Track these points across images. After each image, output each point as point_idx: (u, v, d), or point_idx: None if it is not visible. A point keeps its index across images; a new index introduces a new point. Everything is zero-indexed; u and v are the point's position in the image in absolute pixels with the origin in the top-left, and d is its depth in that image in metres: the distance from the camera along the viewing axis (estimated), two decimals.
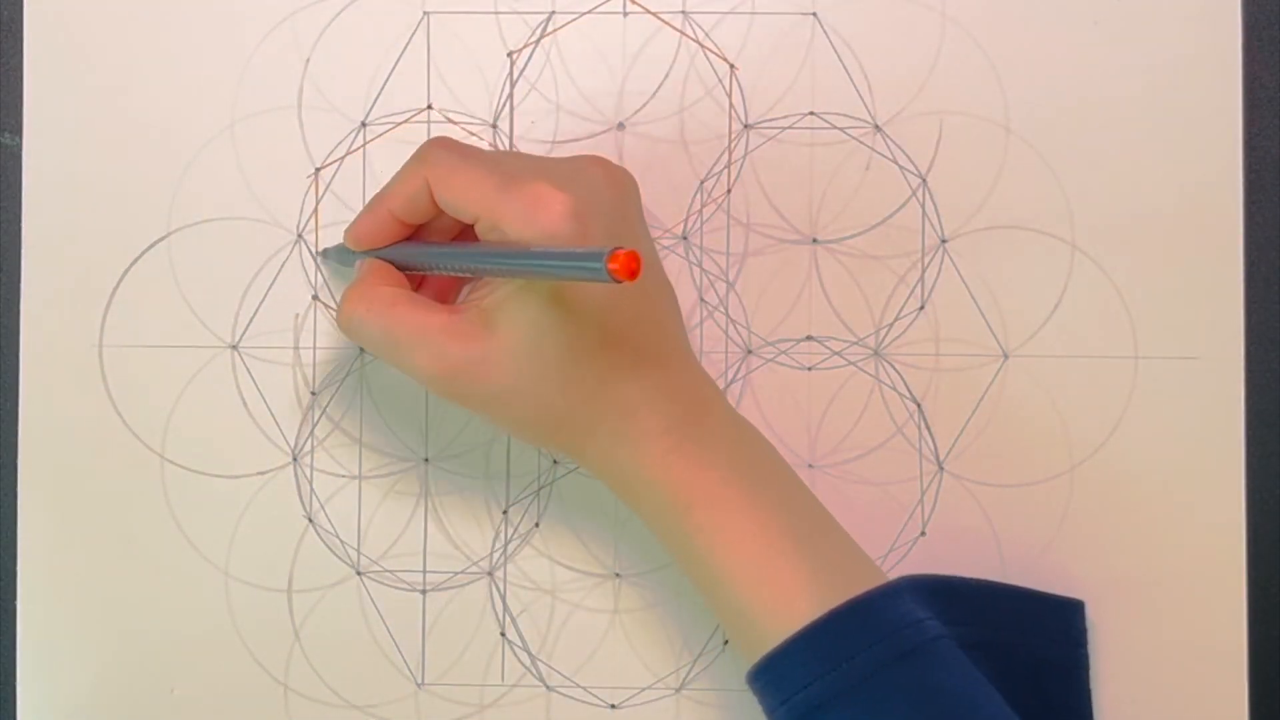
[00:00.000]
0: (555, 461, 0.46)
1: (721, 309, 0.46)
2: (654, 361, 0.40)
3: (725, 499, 0.39)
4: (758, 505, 0.39)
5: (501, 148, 0.46)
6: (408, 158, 0.40)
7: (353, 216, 0.45)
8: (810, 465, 0.46)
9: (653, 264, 0.41)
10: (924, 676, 0.37)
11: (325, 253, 0.45)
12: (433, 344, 0.38)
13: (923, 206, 0.45)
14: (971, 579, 0.43)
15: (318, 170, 0.46)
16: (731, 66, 0.45)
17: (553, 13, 0.46)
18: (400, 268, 0.41)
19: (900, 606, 0.38)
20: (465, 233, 0.41)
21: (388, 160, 0.46)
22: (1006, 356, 0.45)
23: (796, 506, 0.40)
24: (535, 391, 0.39)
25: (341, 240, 0.43)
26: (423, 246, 0.41)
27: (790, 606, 0.38)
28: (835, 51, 0.45)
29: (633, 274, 0.33)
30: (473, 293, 0.41)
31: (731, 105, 0.46)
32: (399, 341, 0.39)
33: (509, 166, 0.39)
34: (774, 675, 0.38)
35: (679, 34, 0.45)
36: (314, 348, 0.46)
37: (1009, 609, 0.42)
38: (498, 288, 0.39)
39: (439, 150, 0.40)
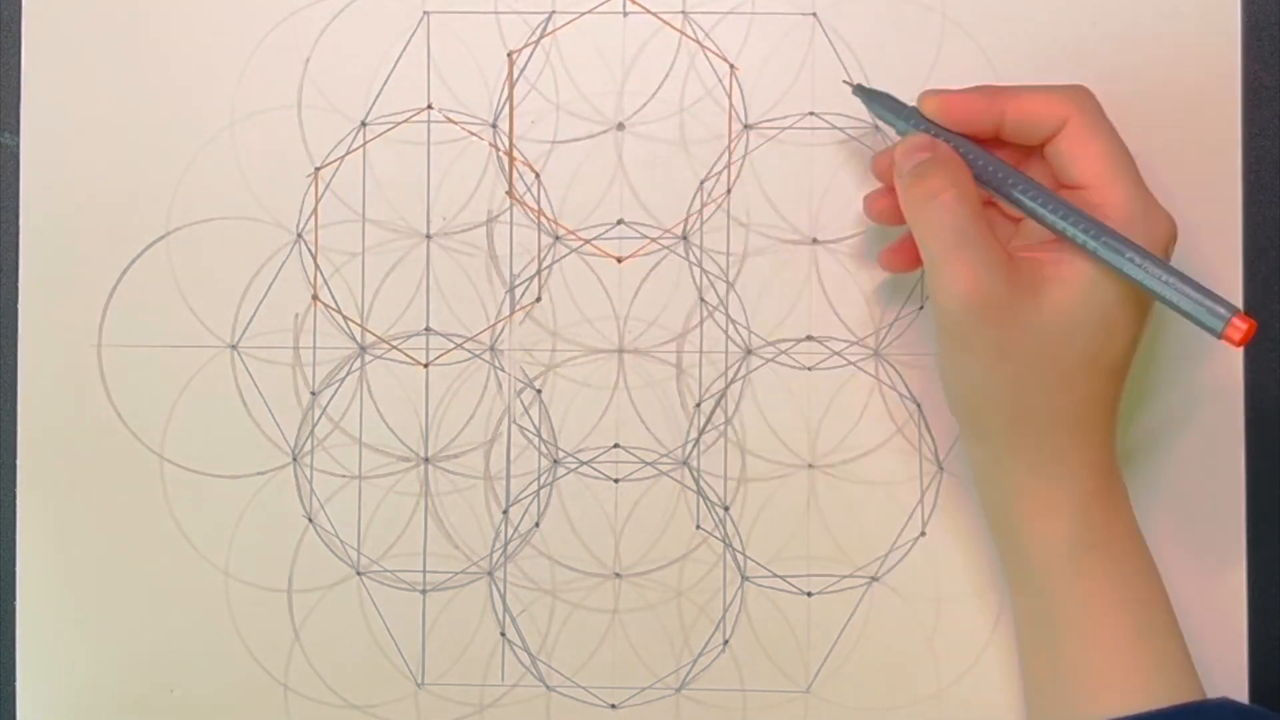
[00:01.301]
0: (555, 461, 0.46)
1: (721, 309, 0.46)
2: (1113, 422, 0.40)
3: (1132, 549, 0.39)
4: (1139, 637, 0.39)
5: (501, 148, 0.46)
6: (1044, 86, 0.39)
7: (353, 216, 0.45)
8: (810, 465, 0.46)
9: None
10: None
11: (872, 94, 0.41)
12: (989, 269, 0.36)
13: None
14: None
15: (317, 170, 0.46)
16: (731, 66, 0.45)
17: (553, 13, 0.46)
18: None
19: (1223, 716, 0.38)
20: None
21: (387, 160, 0.46)
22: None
23: (1153, 624, 0.40)
24: (1024, 375, 0.37)
25: (889, 95, 0.41)
26: (1016, 174, 0.39)
27: (1123, 698, 0.38)
28: (835, 51, 0.45)
29: (1242, 343, 0.34)
30: (1026, 247, 0.39)
31: (731, 105, 0.45)
32: (961, 244, 0.37)
33: (1135, 166, 0.38)
34: None
35: (679, 34, 0.45)
36: (314, 348, 0.46)
37: None
38: (1067, 260, 0.38)
39: (1093, 102, 0.38)
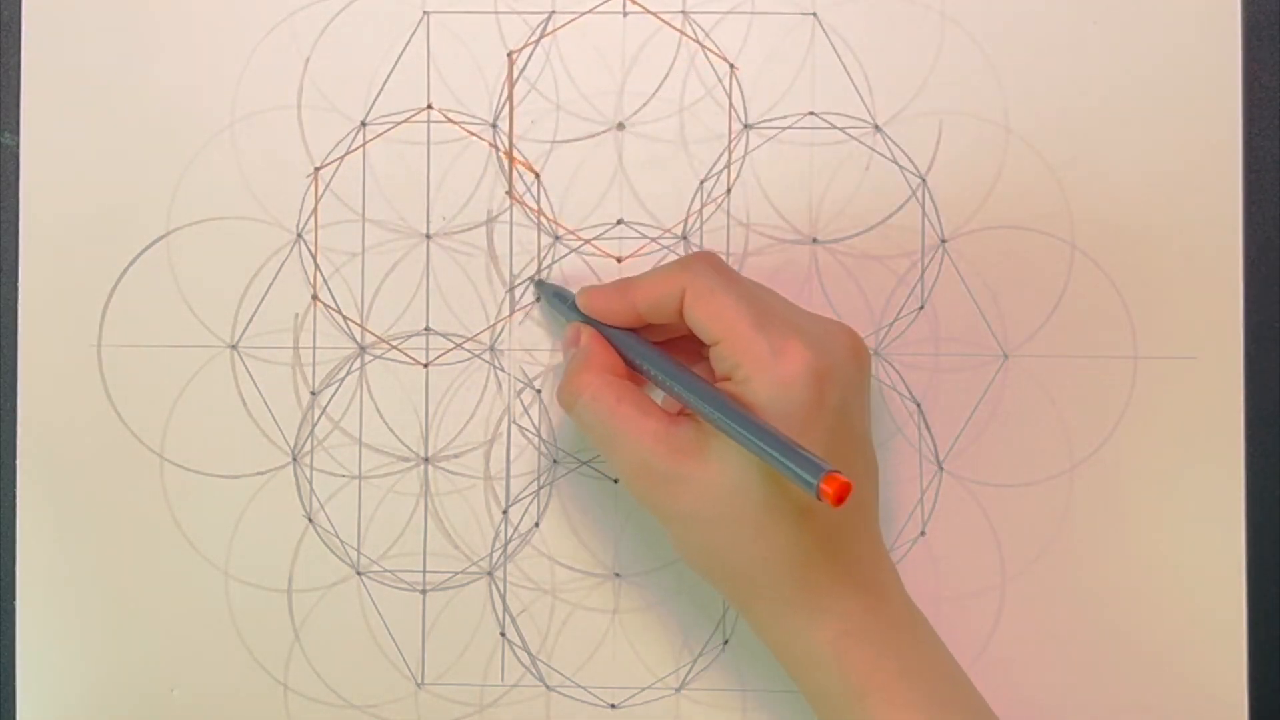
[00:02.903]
0: (555, 461, 0.46)
1: None
2: (849, 544, 0.39)
3: (902, 694, 0.38)
4: (933, 702, 0.38)
5: (501, 148, 0.46)
6: (666, 265, 0.41)
7: (353, 216, 0.44)
8: None
9: (865, 442, 0.40)
10: None
11: (542, 285, 0.45)
12: (644, 450, 0.38)
13: (922, 206, 0.45)
14: None
15: (317, 170, 0.46)
16: (731, 66, 0.45)
17: (553, 13, 0.46)
18: (620, 351, 0.41)
19: None
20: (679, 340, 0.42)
21: (387, 160, 0.46)
22: (1006, 356, 0.45)
23: (963, 701, 0.40)
24: (724, 534, 0.38)
25: (561, 287, 0.44)
26: (652, 352, 0.41)
27: None
28: (835, 51, 0.45)
29: (839, 501, 0.33)
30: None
31: (731, 105, 0.45)
32: (612, 437, 0.39)
33: (766, 307, 0.39)
34: None
35: (679, 34, 0.45)
36: (314, 348, 0.46)
37: None
38: None
39: (705, 266, 0.40)
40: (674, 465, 0.38)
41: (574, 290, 0.43)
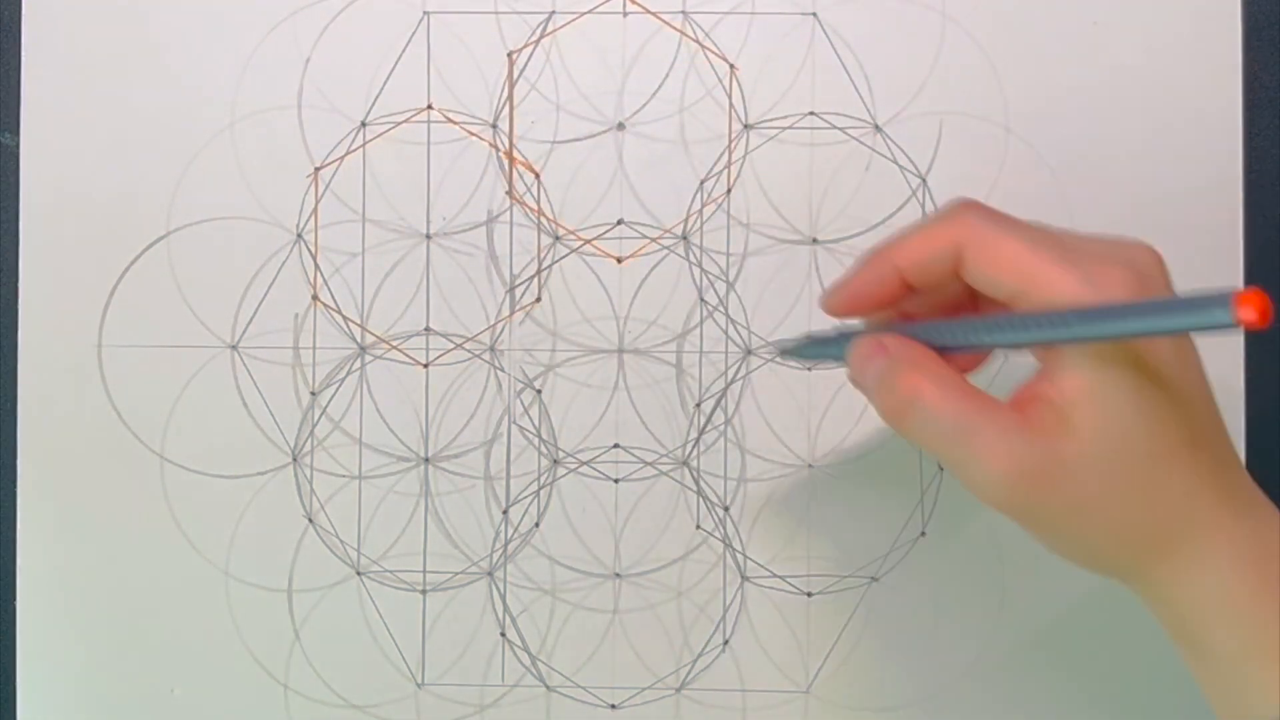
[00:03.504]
0: (555, 461, 0.46)
1: (721, 309, 0.46)
2: (1234, 473, 0.35)
3: None
4: None
5: (501, 148, 0.46)
6: (927, 219, 0.35)
7: (353, 216, 0.44)
8: (810, 465, 0.46)
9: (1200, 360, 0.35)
10: None
11: (783, 346, 0.40)
12: (1010, 442, 0.33)
13: (923, 207, 0.45)
14: None
15: (317, 170, 0.46)
16: (731, 66, 0.45)
17: (553, 13, 0.46)
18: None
19: None
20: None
21: (387, 160, 0.46)
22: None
23: None
24: (1119, 503, 0.34)
25: (808, 336, 0.39)
26: (955, 323, 0.35)
27: None
28: (835, 51, 0.45)
29: (1264, 315, 0.28)
30: (1026, 393, 0.34)
31: (731, 105, 0.45)
32: (970, 435, 0.33)
33: (1060, 241, 0.34)
34: None
35: (679, 34, 0.45)
36: (314, 348, 0.46)
37: None
38: (1065, 380, 0.33)
39: (977, 214, 0.35)
40: (1049, 448, 0.33)
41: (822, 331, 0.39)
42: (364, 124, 0.46)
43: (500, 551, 0.46)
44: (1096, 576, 0.45)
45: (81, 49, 0.46)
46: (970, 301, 0.37)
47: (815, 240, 0.45)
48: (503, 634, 0.46)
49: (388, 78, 0.46)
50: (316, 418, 0.46)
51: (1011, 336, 0.34)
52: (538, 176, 0.46)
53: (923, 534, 0.45)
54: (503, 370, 0.46)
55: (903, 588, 0.45)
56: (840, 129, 0.45)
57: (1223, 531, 0.34)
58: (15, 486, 0.46)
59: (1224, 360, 0.45)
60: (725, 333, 0.46)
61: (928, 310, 0.37)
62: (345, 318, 0.46)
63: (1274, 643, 0.33)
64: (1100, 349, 0.33)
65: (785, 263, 0.46)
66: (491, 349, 0.46)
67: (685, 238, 0.46)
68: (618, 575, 0.46)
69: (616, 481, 0.46)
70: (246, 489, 0.46)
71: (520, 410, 0.46)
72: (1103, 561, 0.36)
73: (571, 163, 0.46)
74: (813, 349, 0.39)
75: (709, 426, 0.46)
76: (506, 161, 0.46)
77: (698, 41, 0.45)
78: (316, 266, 0.46)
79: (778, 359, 0.44)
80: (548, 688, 0.46)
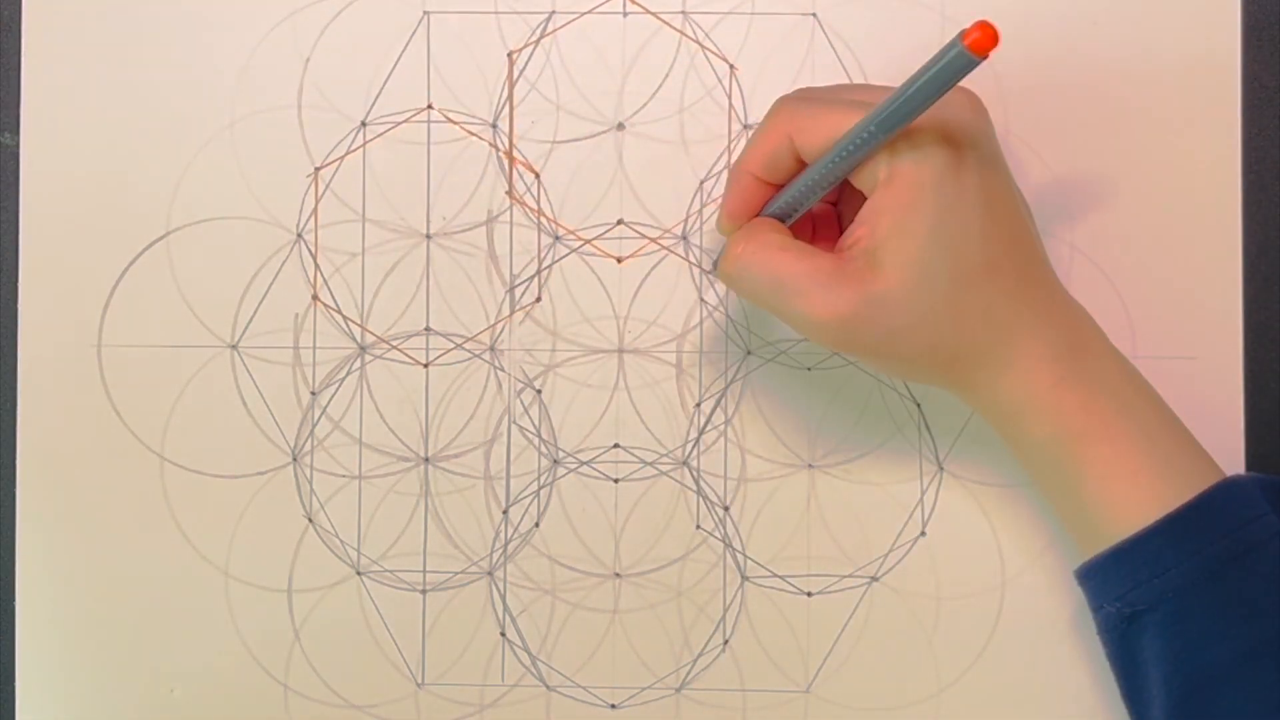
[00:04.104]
0: (555, 461, 0.46)
1: (721, 309, 0.46)
2: (1036, 285, 0.40)
3: (1120, 430, 0.39)
4: (1147, 435, 0.39)
5: (501, 148, 0.46)
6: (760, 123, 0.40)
7: (353, 216, 0.44)
8: (810, 465, 0.46)
9: (1012, 185, 0.40)
10: (1242, 588, 0.37)
11: (715, 259, 0.45)
12: (824, 288, 0.38)
13: None
14: None
15: (317, 170, 0.46)
16: (731, 67, 0.45)
17: (553, 13, 0.46)
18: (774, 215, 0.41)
19: (1240, 504, 0.38)
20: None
21: (388, 160, 0.46)
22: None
23: (1164, 418, 0.40)
24: (928, 326, 0.38)
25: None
26: (789, 185, 0.40)
27: (1153, 503, 0.38)
28: (835, 52, 0.45)
29: (990, 39, 0.33)
30: (847, 240, 0.39)
31: (731, 105, 0.45)
32: (786, 286, 0.38)
33: (865, 98, 0.38)
34: (1102, 577, 0.39)
35: (679, 34, 0.45)
36: (314, 348, 0.46)
37: None
38: (876, 227, 0.38)
39: (793, 101, 0.39)
40: (859, 290, 0.38)
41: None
42: (364, 124, 0.46)
43: (500, 551, 0.46)
44: None
45: (81, 49, 0.46)
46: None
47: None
48: (503, 634, 0.46)
49: (388, 78, 0.46)
50: (316, 418, 0.46)
51: (818, 174, 0.39)
52: (538, 176, 0.46)
53: (923, 534, 0.45)
54: (503, 370, 0.46)
55: (903, 588, 0.45)
56: None
57: (1024, 337, 0.39)
58: (15, 486, 0.46)
59: (1224, 359, 0.45)
60: (725, 333, 0.46)
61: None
62: (345, 318, 0.46)
63: (1073, 426, 0.39)
64: (899, 185, 0.37)
65: None
66: (491, 349, 0.46)
67: (685, 238, 0.46)
68: (618, 575, 0.46)
69: (616, 481, 0.46)
70: (246, 489, 0.46)
71: (520, 410, 0.46)
72: (924, 376, 0.41)
73: (571, 163, 0.46)
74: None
75: (709, 426, 0.46)
76: (506, 161, 0.46)
77: (697, 42, 0.45)
78: (316, 266, 0.46)
79: (711, 274, 0.45)
80: (548, 687, 0.46)
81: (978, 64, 0.33)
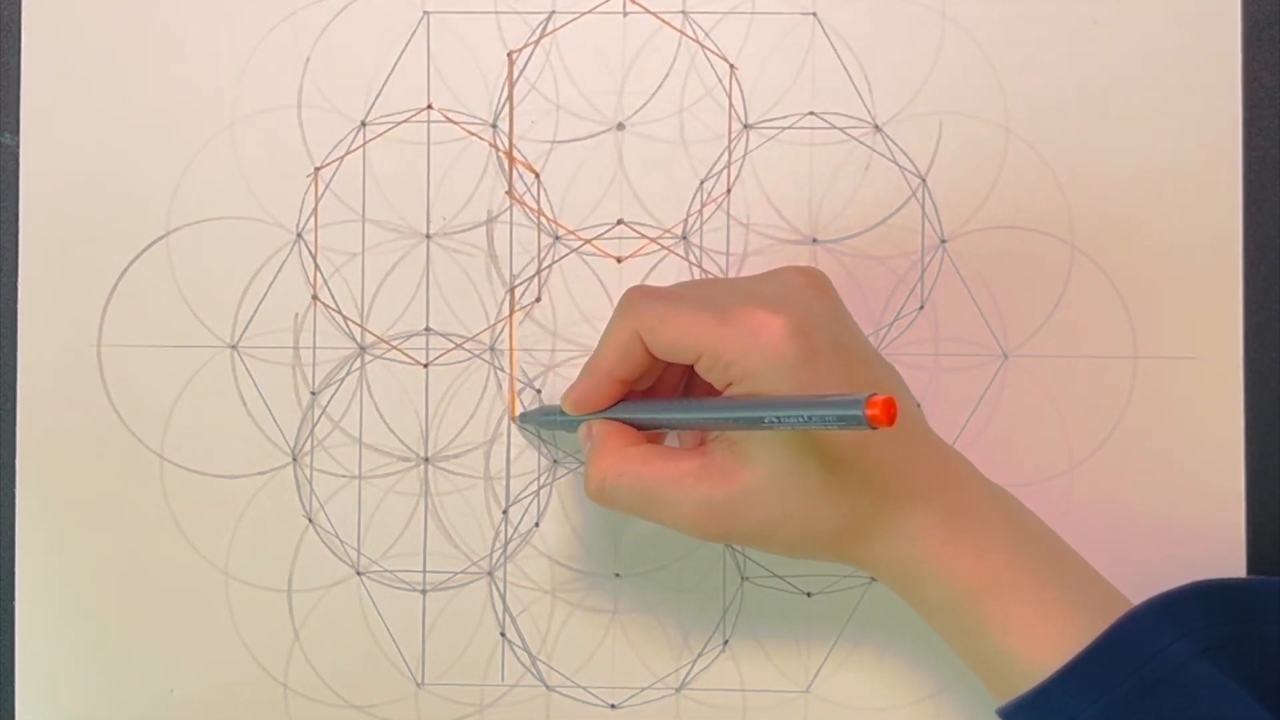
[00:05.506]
0: (555, 461, 0.46)
1: None
2: (908, 441, 0.39)
3: (1014, 585, 0.38)
4: (1040, 582, 0.38)
5: (501, 148, 0.46)
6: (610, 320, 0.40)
7: (353, 216, 0.44)
8: None
9: (875, 357, 0.40)
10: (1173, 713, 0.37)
11: (524, 417, 0.45)
12: (691, 491, 0.38)
13: (922, 206, 0.45)
14: (1219, 580, 0.41)
15: (317, 170, 0.46)
16: (731, 66, 0.45)
17: (553, 13, 0.46)
18: (631, 424, 0.41)
19: (1142, 638, 0.37)
20: (665, 377, 0.41)
21: (388, 160, 0.46)
22: (1006, 356, 0.45)
23: (1057, 556, 0.40)
24: (802, 517, 0.38)
25: (544, 406, 0.44)
26: (653, 403, 0.41)
27: (1059, 646, 0.38)
28: (835, 51, 0.45)
29: (891, 418, 0.32)
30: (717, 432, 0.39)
31: (731, 105, 0.45)
32: (656, 497, 0.39)
33: (718, 299, 0.38)
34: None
35: (679, 34, 0.45)
36: (314, 348, 0.46)
37: (1266, 599, 0.40)
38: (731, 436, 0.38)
39: (642, 299, 0.39)
40: (726, 488, 0.38)
41: (555, 405, 0.43)
42: (364, 124, 0.46)
43: (500, 551, 0.46)
44: None
45: (81, 49, 0.46)
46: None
47: (815, 240, 0.45)
48: (503, 634, 0.46)
49: (388, 77, 0.46)
50: (316, 417, 0.46)
51: (683, 420, 0.39)
52: (538, 176, 0.46)
53: None
54: (503, 370, 0.46)
55: None
56: (840, 129, 0.45)
57: (905, 501, 0.38)
58: (15, 486, 0.46)
59: (1224, 359, 0.45)
60: None
61: (667, 383, 0.42)
62: (345, 317, 0.46)
63: (967, 585, 0.38)
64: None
65: (785, 263, 0.45)
66: (491, 349, 0.46)
67: (685, 238, 0.46)
68: (618, 575, 0.46)
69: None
70: (246, 489, 0.46)
71: (520, 410, 0.46)
72: (808, 555, 0.40)
73: (571, 163, 0.46)
74: (544, 421, 0.44)
75: None
76: (506, 161, 0.46)
77: (698, 41, 0.45)
78: (316, 266, 0.46)
79: (520, 425, 0.46)
80: (548, 687, 0.46)
81: (866, 430, 0.33)
